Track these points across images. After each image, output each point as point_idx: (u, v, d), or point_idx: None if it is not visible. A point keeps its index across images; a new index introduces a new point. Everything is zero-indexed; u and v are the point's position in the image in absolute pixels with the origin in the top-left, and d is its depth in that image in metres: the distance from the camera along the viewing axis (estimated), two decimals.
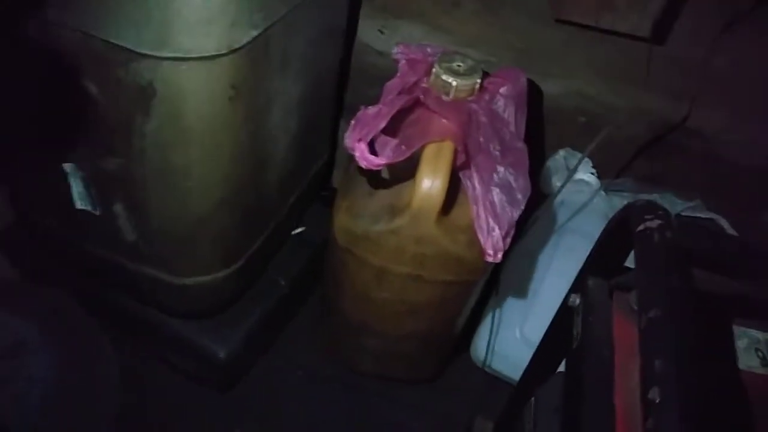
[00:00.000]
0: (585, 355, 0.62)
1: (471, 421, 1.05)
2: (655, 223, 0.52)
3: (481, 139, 0.82)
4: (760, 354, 0.51)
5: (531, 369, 0.85)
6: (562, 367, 0.78)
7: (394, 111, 0.75)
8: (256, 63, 0.69)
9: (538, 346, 0.82)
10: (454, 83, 0.83)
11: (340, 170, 1.22)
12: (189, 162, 0.71)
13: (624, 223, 0.59)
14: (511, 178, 0.81)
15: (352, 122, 0.74)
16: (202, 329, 0.97)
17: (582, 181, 1.12)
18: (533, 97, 0.99)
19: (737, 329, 0.53)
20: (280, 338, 1.13)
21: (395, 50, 0.90)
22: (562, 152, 1.11)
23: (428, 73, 0.86)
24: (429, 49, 0.90)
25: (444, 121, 0.79)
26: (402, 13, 1.05)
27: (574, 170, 1.06)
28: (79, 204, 0.80)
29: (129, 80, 0.62)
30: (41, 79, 0.69)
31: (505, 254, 0.79)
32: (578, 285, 0.71)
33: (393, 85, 0.84)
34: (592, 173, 1.12)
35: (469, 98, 0.85)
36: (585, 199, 1.10)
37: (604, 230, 0.65)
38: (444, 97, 0.84)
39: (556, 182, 1.08)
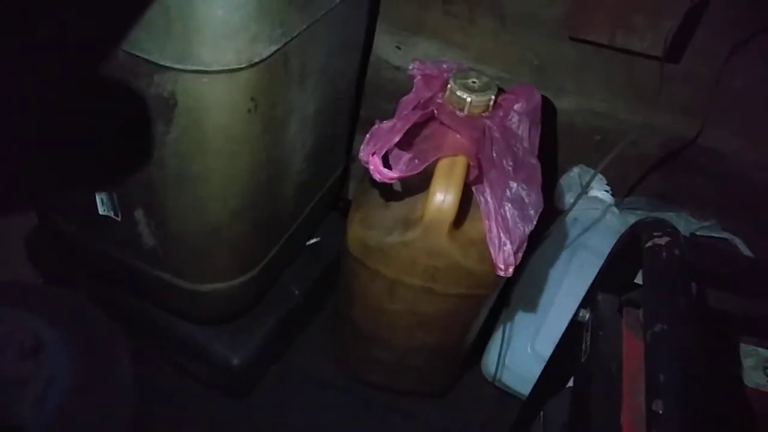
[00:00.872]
0: (593, 370, 0.63)
1: None
2: (663, 240, 0.52)
3: (495, 155, 0.83)
4: (767, 372, 0.52)
5: (540, 384, 0.85)
6: (571, 383, 0.78)
7: (408, 126, 0.76)
8: (275, 77, 0.71)
9: (548, 361, 0.83)
10: (469, 99, 0.84)
11: (355, 182, 1.23)
12: (207, 171, 0.73)
13: (634, 239, 0.60)
14: (524, 194, 0.82)
15: (367, 136, 0.76)
16: (217, 335, 0.98)
17: (596, 198, 1.13)
18: (547, 113, 1.00)
19: (745, 347, 0.54)
20: (292, 347, 1.14)
21: (411, 66, 0.92)
22: (576, 169, 1.12)
23: (443, 88, 0.88)
24: (444, 65, 0.92)
25: (457, 136, 0.80)
26: (419, 29, 1.07)
27: (587, 186, 1.07)
28: (102, 210, 0.82)
29: (151, 91, 0.64)
30: (65, 88, 0.71)
31: (517, 269, 0.80)
32: (588, 300, 0.71)
33: (408, 100, 0.86)
34: (606, 190, 1.12)
35: (484, 114, 0.86)
36: (598, 215, 1.10)
37: (614, 246, 0.66)
38: (458, 113, 0.85)
39: (570, 199, 1.09)
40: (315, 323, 1.19)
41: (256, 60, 0.65)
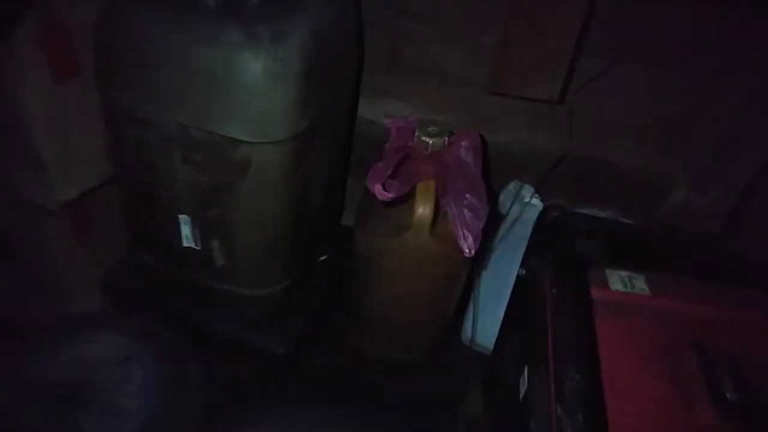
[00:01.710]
0: (528, 302, 1.00)
1: (465, 388, 1.40)
2: (554, 213, 0.92)
3: (453, 178, 1.22)
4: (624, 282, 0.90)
5: (501, 329, 1.22)
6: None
7: (393, 164, 1.14)
8: (307, 143, 1.07)
9: (504, 312, 1.20)
10: (430, 141, 1.21)
11: (349, 211, 1.60)
12: (268, 208, 1.08)
13: (542, 217, 0.99)
14: (476, 202, 1.19)
15: (370, 172, 1.13)
16: (266, 335, 1.31)
17: (531, 204, 1.52)
18: (487, 146, 1.39)
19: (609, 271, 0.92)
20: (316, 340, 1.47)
21: (387, 121, 1.30)
22: (512, 184, 1.52)
23: (412, 135, 1.26)
24: (410, 119, 1.30)
25: (427, 167, 1.19)
26: (384, 93, 1.43)
27: (517, 195, 1.45)
28: (185, 243, 1.16)
29: (235, 157, 1.01)
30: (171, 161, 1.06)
31: (479, 253, 1.18)
32: (524, 262, 1.10)
33: (390, 146, 1.24)
34: (537, 197, 1.52)
35: (442, 151, 1.25)
36: (533, 216, 1.48)
37: (534, 226, 1.05)
38: (425, 152, 1.23)
39: (509, 205, 1.48)
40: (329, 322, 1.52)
41: (297, 132, 1.03)
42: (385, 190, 1.10)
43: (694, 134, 1.31)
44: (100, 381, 1.20)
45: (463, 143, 1.25)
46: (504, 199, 1.52)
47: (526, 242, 1.40)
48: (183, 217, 1.12)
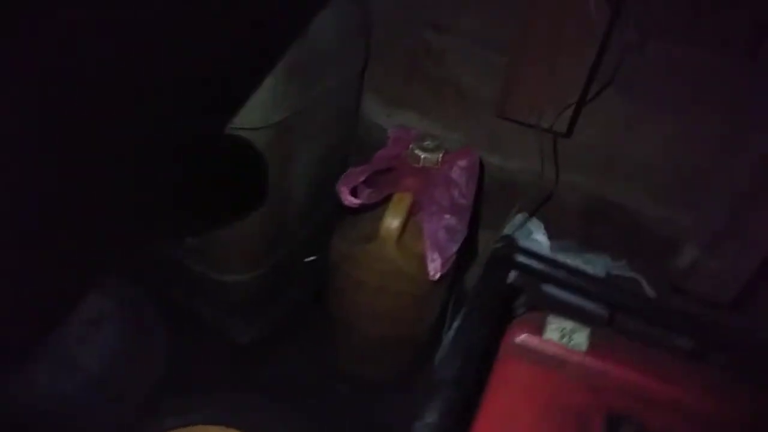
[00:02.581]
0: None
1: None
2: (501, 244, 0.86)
3: (438, 196, 1.17)
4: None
5: None
6: None
7: (371, 171, 1.11)
8: (285, 133, 1.07)
9: None
10: (423, 156, 1.18)
11: None
12: None
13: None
14: (455, 224, 1.15)
15: (342, 176, 1.11)
16: (232, 319, 1.32)
17: (536, 240, 1.44)
18: (484, 170, 1.33)
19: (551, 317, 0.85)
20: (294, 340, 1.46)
21: (389, 130, 1.28)
22: (519, 216, 1.44)
23: (408, 147, 1.23)
24: (413, 132, 1.27)
25: (408, 180, 1.15)
26: (402, 104, 1.43)
27: (519, 228, 1.38)
28: None
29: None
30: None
31: (448, 278, 1.12)
32: None
33: (381, 153, 1.22)
34: (544, 234, 1.44)
35: (434, 167, 1.20)
36: None
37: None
38: (415, 165, 1.19)
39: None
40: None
41: (271, 123, 1.02)
42: (354, 195, 1.07)
43: (713, 187, 1.19)
44: (65, 334, 1.26)
45: (459, 162, 1.21)
46: (509, 229, 1.44)
47: None
48: None
